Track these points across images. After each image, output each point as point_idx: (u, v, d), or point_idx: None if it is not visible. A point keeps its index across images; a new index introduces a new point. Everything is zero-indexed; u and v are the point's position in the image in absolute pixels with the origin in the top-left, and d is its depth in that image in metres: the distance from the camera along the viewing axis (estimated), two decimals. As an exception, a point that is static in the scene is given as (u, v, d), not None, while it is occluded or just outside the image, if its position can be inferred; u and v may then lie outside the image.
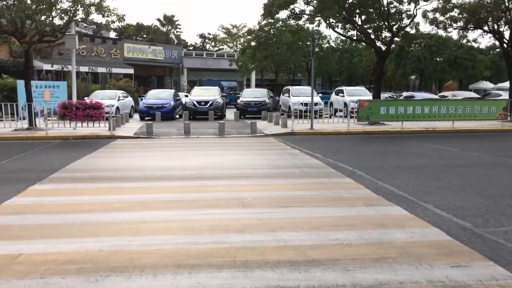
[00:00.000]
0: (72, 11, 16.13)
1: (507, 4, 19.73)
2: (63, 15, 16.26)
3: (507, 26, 20.11)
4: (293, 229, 4.91)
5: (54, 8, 15.88)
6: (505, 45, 20.62)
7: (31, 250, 4.37)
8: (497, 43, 22.50)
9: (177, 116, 24.61)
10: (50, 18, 16.41)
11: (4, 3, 15.85)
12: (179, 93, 30.72)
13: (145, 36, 65.03)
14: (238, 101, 26.14)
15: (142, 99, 25.71)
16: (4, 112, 17.84)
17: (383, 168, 8.85)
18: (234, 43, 64.39)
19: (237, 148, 12.47)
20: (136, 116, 24.65)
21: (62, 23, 16.73)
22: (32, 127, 16.37)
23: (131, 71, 40.60)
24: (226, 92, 38.44)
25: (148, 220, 5.34)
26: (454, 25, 20.53)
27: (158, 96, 24.63)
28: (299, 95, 23.68)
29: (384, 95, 30.31)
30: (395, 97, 32.57)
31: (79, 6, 16.05)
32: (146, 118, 22.31)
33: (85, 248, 4.40)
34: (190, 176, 8.06)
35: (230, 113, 25.87)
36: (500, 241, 4.54)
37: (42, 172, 8.49)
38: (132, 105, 26.12)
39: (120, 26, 21.96)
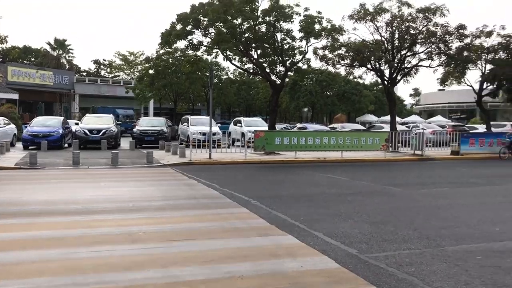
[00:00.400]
0: None
1: (386, 45, 21.82)
2: None
3: (387, 65, 22.17)
4: (185, 264, 4.74)
5: None
6: (385, 82, 22.67)
7: None
8: (379, 80, 24.64)
9: (66, 145, 23.10)
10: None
11: None
12: (69, 120, 28.95)
13: (33, 59, 60.93)
14: (134, 129, 25.36)
15: (26, 127, 23.77)
16: None
17: (277, 197, 9.04)
18: (131, 70, 62.95)
19: (131, 179, 11.97)
20: (19, 145, 22.68)
21: None
22: None
23: (15, 96, 37.47)
24: (121, 120, 37.14)
25: (24, 260, 4.81)
26: (342, 62, 22.14)
27: (45, 123, 22.97)
28: (198, 124, 23.65)
29: (279, 126, 31.44)
30: (289, 128, 33.95)
31: None
32: (30, 147, 20.61)
33: None
34: (76, 211, 7.50)
35: (125, 142, 24.91)
36: (382, 266, 4.80)
37: None
38: (15, 133, 24.01)
39: (3, 48, 20.26)
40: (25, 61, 57.26)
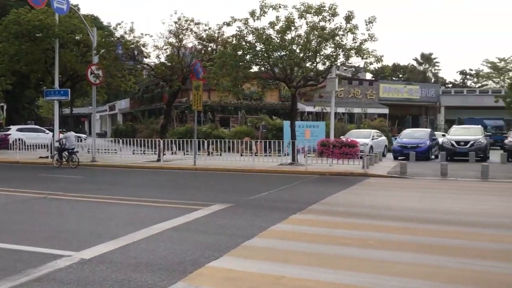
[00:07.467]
0: (334, 56, 17.43)
1: None
2: (325, 60, 17.72)
3: None
4: None
5: (318, 54, 17.50)
6: None
7: (291, 274, 4.77)
8: None
9: (433, 156, 23.50)
10: (315, 64, 18.03)
11: (278, 54, 18.26)
12: (435, 132, 29.29)
13: (400, 76, 65.09)
14: (506, 141, 23.17)
15: (396, 139, 25.56)
16: (271, 149, 20.36)
17: None
18: (501, 78, 57.89)
19: (505, 195, 11.09)
20: (390, 155, 24.61)
21: (324, 68, 18.16)
22: (294, 162, 18.23)
23: (385, 111, 40.97)
24: (490, 131, 34.66)
25: (397, 260, 5.34)
26: None
27: (413, 135, 24.19)
28: None
29: None
30: None
31: (341, 50, 17.24)
32: (399, 158, 22.05)
33: (340, 280, 4.59)
34: (445, 220, 7.64)
35: (495, 155, 23.04)
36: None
37: (303, 204, 9.35)
38: (386, 145, 26.30)
39: (377, 68, 22.50)
40: (393, 78, 61.77)
